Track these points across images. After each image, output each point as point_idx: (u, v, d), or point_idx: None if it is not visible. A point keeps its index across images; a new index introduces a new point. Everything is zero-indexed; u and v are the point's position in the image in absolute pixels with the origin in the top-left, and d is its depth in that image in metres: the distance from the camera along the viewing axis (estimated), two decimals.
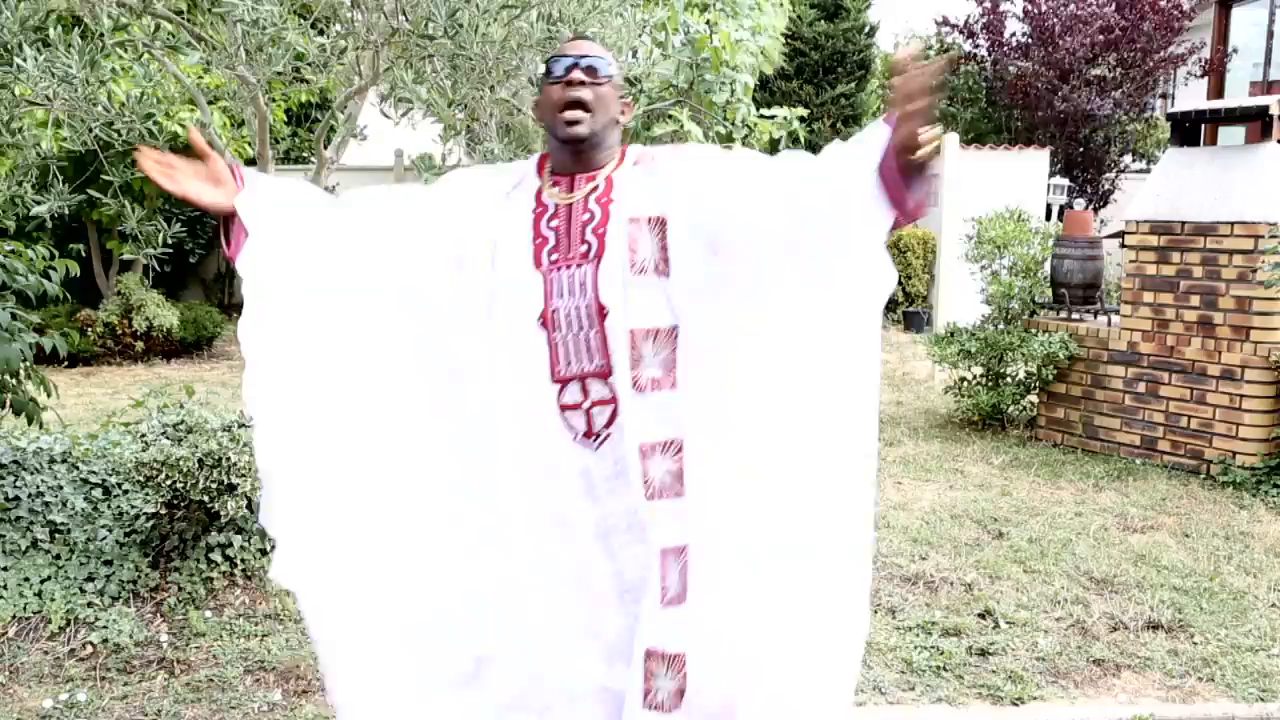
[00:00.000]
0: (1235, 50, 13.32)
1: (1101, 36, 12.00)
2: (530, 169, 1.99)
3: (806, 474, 1.87)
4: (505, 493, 1.90)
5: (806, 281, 1.81)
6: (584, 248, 1.87)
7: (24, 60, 2.89)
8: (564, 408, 1.86)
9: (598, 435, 1.87)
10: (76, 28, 3.29)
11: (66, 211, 3.48)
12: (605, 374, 1.85)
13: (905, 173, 1.72)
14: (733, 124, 6.49)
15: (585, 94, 1.88)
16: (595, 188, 1.91)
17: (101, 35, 3.21)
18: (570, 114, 1.88)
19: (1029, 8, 12.70)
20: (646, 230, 1.86)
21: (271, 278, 1.93)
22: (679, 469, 1.84)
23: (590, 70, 1.89)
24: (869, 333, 1.86)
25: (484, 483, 1.91)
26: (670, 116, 6.12)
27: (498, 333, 1.88)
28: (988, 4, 13.09)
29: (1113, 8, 12.16)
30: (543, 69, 2.00)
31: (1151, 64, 12.16)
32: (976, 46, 13.43)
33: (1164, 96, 13.33)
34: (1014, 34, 13.04)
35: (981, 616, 3.60)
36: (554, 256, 1.88)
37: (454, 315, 1.91)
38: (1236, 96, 12.53)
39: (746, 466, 1.85)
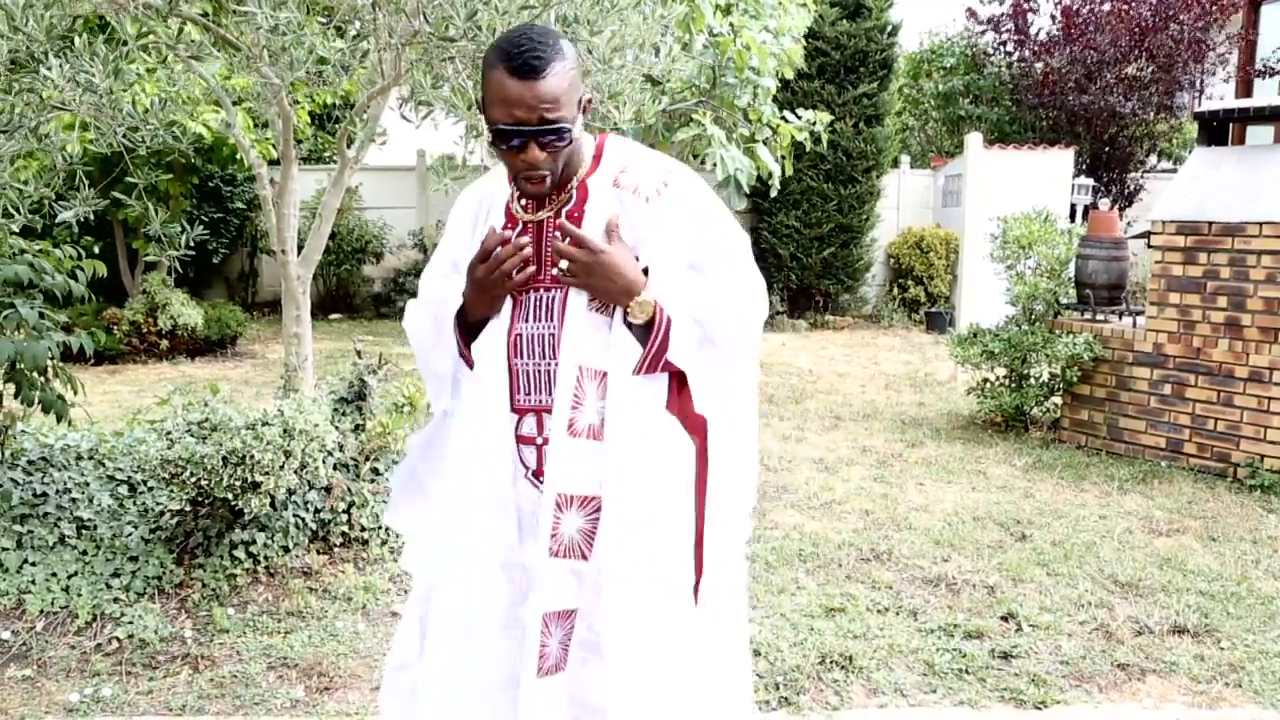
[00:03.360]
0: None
1: (1133, 40, 11.87)
2: (503, 175, 1.86)
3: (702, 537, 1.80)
4: (453, 527, 1.82)
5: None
6: (555, 270, 1.75)
7: (49, 69, 2.92)
8: (520, 440, 1.78)
9: (544, 477, 1.75)
10: (101, 33, 3.32)
11: (92, 213, 3.52)
12: None
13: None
14: (756, 125, 6.47)
15: (548, 164, 1.70)
16: (567, 198, 1.78)
17: (125, 42, 3.24)
18: (532, 184, 1.72)
19: (1061, 3, 12.59)
20: None
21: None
22: (591, 529, 1.73)
23: (552, 143, 1.68)
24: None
25: (441, 513, 1.86)
26: (693, 119, 6.11)
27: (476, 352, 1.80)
28: (1012, 2, 12.99)
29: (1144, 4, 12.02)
30: (480, 97, 1.77)
31: (1184, 59, 11.99)
32: (1003, 41, 13.33)
33: (1201, 93, 13.14)
34: (1041, 30, 12.92)
35: (1004, 619, 3.58)
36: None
37: (447, 325, 1.86)
38: (1265, 95, 12.37)
39: (655, 530, 1.73)
